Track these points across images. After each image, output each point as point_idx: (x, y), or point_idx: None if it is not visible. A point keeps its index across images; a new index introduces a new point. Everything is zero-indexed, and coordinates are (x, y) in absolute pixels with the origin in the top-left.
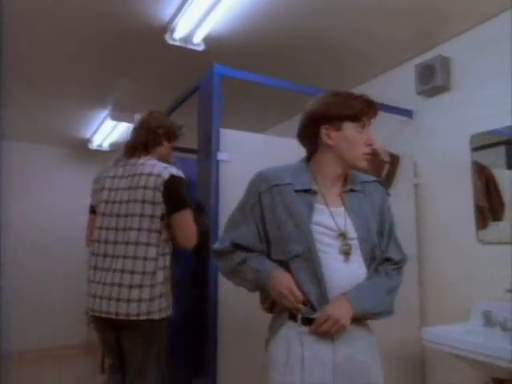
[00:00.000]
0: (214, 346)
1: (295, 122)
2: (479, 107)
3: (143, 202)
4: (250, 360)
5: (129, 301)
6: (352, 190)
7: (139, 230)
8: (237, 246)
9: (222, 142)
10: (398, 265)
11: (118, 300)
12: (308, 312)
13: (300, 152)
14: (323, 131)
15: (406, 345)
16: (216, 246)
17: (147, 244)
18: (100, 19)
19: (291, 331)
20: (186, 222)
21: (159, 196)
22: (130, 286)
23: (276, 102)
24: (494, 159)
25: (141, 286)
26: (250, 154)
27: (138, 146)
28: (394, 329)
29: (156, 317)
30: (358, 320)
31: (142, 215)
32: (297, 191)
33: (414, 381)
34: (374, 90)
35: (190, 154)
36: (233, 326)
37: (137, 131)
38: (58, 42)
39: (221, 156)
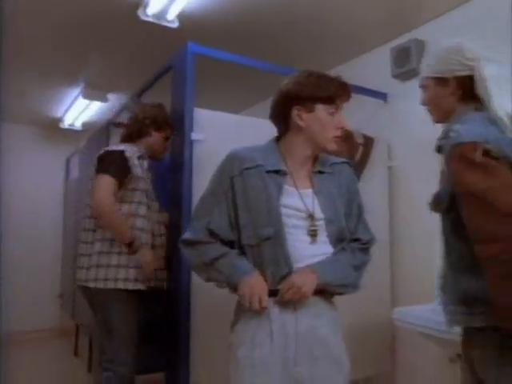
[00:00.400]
0: (187, 332)
1: (270, 103)
2: None
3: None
4: (224, 345)
5: (81, 268)
6: (321, 172)
7: (87, 205)
8: (211, 233)
9: (196, 121)
10: (366, 245)
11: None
12: (273, 285)
13: (273, 133)
14: (295, 112)
15: (377, 324)
16: (187, 235)
17: (90, 217)
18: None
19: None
20: (96, 186)
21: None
22: (81, 255)
23: (251, 83)
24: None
25: (83, 255)
26: (224, 134)
27: (124, 137)
28: (366, 308)
29: (91, 285)
30: (322, 293)
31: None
32: (268, 172)
33: (384, 357)
34: (349, 71)
35: None
36: (206, 311)
37: (127, 124)
38: (28, 18)
39: (194, 136)
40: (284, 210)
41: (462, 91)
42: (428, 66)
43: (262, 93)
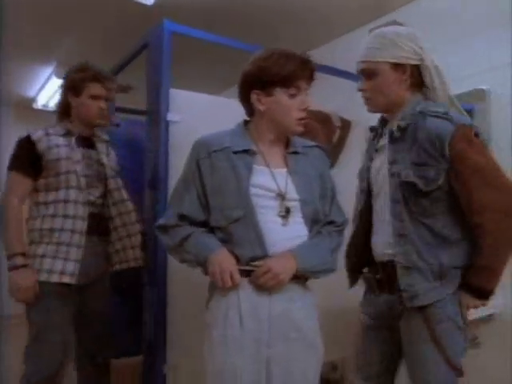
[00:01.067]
0: (164, 314)
1: None
2: None
3: None
4: (201, 326)
5: None
6: (296, 153)
7: None
8: (182, 218)
9: (172, 102)
10: (340, 227)
11: None
12: (246, 264)
13: None
14: (254, 96)
15: (352, 305)
16: (160, 221)
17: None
18: None
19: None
20: (5, 186)
21: None
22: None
23: (230, 63)
24: None
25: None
26: (201, 116)
27: (57, 119)
28: (340, 290)
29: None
30: (297, 278)
31: None
32: (235, 152)
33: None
34: (329, 53)
35: (138, 115)
36: (183, 292)
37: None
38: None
39: (170, 117)
40: (254, 190)
41: (412, 79)
42: (380, 50)
43: (240, 73)
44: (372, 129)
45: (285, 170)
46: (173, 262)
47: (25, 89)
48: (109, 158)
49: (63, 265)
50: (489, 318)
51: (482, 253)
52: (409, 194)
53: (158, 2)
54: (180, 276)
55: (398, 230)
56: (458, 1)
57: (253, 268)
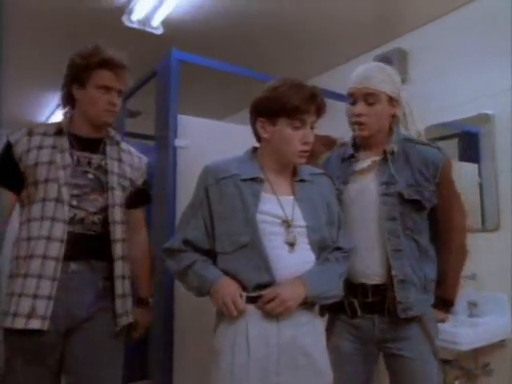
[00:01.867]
0: (171, 340)
1: None
2: (433, 100)
3: None
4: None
5: None
6: (302, 180)
7: None
8: (186, 243)
9: (180, 128)
10: (347, 253)
11: None
12: (254, 291)
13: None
14: (259, 124)
15: None
16: (167, 244)
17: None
18: (57, 2)
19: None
20: None
21: None
22: None
23: (235, 89)
24: (447, 151)
25: None
26: (208, 141)
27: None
28: None
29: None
30: (305, 303)
31: None
32: (243, 180)
33: None
34: (333, 80)
35: (148, 140)
36: (189, 316)
37: None
38: (14, 24)
39: (178, 142)
40: (261, 217)
41: (394, 114)
42: (383, 82)
43: (246, 99)
44: (346, 155)
45: (292, 197)
46: (180, 288)
47: (35, 115)
48: (121, 164)
49: (31, 304)
50: (500, 344)
51: (447, 267)
52: (407, 212)
53: (166, 32)
54: (186, 299)
55: (395, 245)
56: (461, 28)
57: (260, 294)
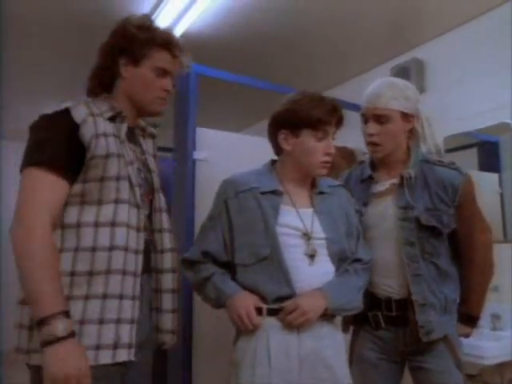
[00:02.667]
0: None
1: None
2: (452, 110)
3: None
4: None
5: (14, 326)
6: (322, 193)
7: None
8: (205, 255)
9: (199, 140)
10: (367, 265)
11: None
12: (274, 303)
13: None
14: (281, 136)
15: None
16: (186, 254)
17: None
18: (76, 15)
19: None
20: (19, 195)
21: None
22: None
23: (253, 102)
24: (466, 161)
25: (18, 303)
26: (227, 153)
27: (87, 94)
28: None
29: (36, 361)
30: (325, 315)
31: None
32: (263, 193)
33: None
34: (350, 91)
35: (164, 152)
36: (209, 338)
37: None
38: (27, 39)
39: (197, 155)
40: (281, 229)
41: (412, 129)
42: (393, 99)
43: (263, 112)
44: (365, 175)
45: (311, 209)
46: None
47: None
48: (155, 161)
49: (116, 332)
50: None
51: (472, 284)
52: (426, 237)
53: (185, 45)
54: (205, 312)
55: (414, 270)
56: (479, 37)
57: (280, 307)
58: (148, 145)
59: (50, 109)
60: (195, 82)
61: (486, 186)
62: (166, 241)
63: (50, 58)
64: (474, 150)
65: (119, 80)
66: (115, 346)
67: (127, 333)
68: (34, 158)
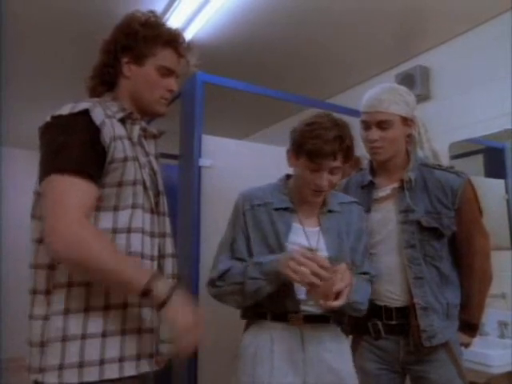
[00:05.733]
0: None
1: (276, 129)
2: (457, 116)
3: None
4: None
5: (26, 343)
6: (330, 211)
7: (33, 217)
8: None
9: (204, 148)
10: (373, 278)
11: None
12: (279, 309)
13: (280, 159)
14: (288, 154)
15: None
16: (212, 274)
17: (40, 240)
18: (76, 17)
19: (261, 328)
20: (46, 204)
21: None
22: (30, 317)
23: (258, 109)
24: (472, 167)
25: (31, 317)
26: (232, 161)
27: (90, 93)
28: None
29: (51, 380)
30: (328, 322)
31: (34, 192)
32: (276, 209)
33: None
34: (354, 98)
35: (171, 159)
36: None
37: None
38: (29, 45)
39: (202, 162)
40: (290, 246)
41: (410, 134)
42: (394, 103)
43: (268, 119)
44: (365, 182)
45: (317, 228)
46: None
47: None
48: (157, 162)
49: (138, 343)
50: None
51: (471, 291)
52: (427, 239)
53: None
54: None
55: (416, 273)
56: (484, 44)
57: (286, 312)
58: (150, 146)
59: (49, 112)
60: (201, 90)
61: (492, 193)
62: (168, 245)
63: (51, 62)
64: (480, 157)
65: (122, 78)
66: (139, 357)
67: (148, 342)
68: (58, 164)
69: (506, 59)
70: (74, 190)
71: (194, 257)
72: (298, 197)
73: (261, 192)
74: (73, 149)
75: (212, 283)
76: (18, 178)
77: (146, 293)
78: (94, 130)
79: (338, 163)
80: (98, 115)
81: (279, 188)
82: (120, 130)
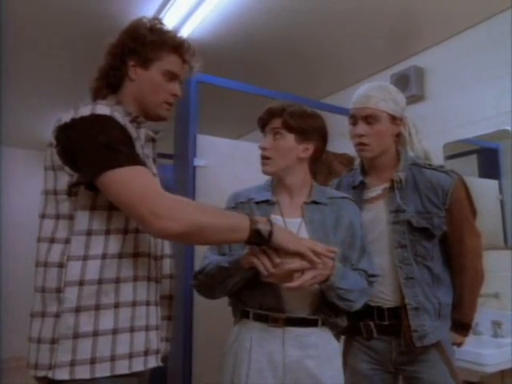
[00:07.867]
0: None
1: None
2: (452, 117)
3: (45, 170)
4: None
5: (30, 340)
6: (315, 202)
7: (43, 216)
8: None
9: (199, 147)
10: (371, 278)
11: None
12: (261, 307)
13: None
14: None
15: None
16: (196, 268)
17: (51, 240)
18: (77, 19)
19: (243, 327)
20: (115, 187)
21: (55, 155)
22: (31, 315)
23: (253, 109)
24: (466, 168)
25: (38, 315)
26: (227, 160)
27: (93, 95)
28: None
29: (63, 376)
30: (312, 324)
31: (43, 192)
32: (257, 203)
33: None
34: (350, 98)
35: (164, 158)
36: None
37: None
38: (30, 45)
39: (197, 161)
40: None
41: (399, 133)
42: (383, 100)
43: None
44: (356, 182)
45: (299, 219)
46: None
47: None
48: (155, 165)
49: (146, 340)
50: None
51: (463, 290)
52: (417, 239)
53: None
54: (204, 325)
55: (407, 273)
56: (478, 44)
57: (267, 314)
58: (148, 148)
59: (49, 114)
60: (196, 90)
61: (486, 193)
62: (166, 246)
63: (51, 62)
64: (474, 157)
65: (127, 81)
66: (146, 353)
67: (155, 339)
68: (113, 159)
69: (500, 60)
70: (145, 174)
71: (188, 256)
72: (281, 190)
73: (247, 191)
74: (120, 145)
75: (194, 276)
76: (17, 177)
77: (253, 232)
78: (124, 129)
79: (276, 124)
80: (118, 116)
81: (265, 185)
82: (133, 132)
